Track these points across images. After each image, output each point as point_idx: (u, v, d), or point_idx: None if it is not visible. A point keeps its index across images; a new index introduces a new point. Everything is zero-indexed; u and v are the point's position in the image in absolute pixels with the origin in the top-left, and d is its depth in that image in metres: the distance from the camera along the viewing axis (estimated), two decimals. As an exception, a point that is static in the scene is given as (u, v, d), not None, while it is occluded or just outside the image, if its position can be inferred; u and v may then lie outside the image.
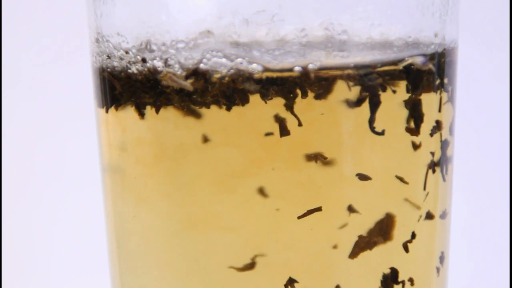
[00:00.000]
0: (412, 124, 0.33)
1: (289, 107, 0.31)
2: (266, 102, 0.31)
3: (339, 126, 0.31)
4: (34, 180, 0.65)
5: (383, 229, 0.33)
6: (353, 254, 0.32)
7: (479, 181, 0.65)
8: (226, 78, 0.31)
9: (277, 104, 0.31)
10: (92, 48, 0.35)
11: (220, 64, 0.31)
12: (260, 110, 0.31)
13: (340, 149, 0.31)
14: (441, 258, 0.36)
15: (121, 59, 0.33)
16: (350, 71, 0.31)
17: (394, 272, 0.34)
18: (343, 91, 0.31)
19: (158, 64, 0.31)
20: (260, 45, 0.30)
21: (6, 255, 0.64)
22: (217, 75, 0.31)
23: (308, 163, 0.31)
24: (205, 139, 0.31)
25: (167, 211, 0.33)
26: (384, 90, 0.31)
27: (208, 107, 0.31)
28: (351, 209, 0.32)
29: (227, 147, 0.31)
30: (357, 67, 0.31)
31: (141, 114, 0.32)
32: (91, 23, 0.35)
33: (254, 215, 0.32)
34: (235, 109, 0.31)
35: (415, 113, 0.33)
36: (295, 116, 0.31)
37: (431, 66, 0.33)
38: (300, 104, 0.31)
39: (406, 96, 0.32)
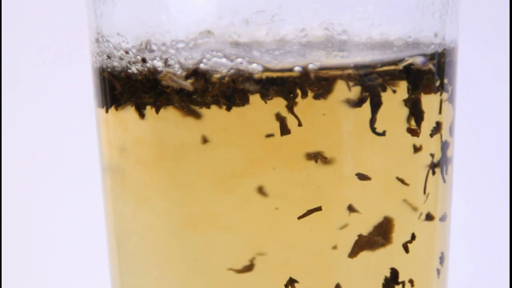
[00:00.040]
0: (412, 125, 0.33)
1: (289, 107, 0.31)
2: (266, 102, 0.31)
3: (339, 126, 0.31)
4: (34, 180, 0.65)
5: (382, 232, 0.33)
6: (353, 253, 0.32)
7: (479, 181, 0.65)
8: (226, 78, 0.31)
9: (277, 104, 0.31)
10: (92, 48, 0.35)
11: (220, 64, 0.31)
12: (260, 110, 0.31)
13: (340, 149, 0.31)
14: (441, 259, 0.36)
15: (121, 59, 0.33)
16: (350, 71, 0.31)
17: (394, 273, 0.34)
18: (343, 91, 0.31)
19: (158, 64, 0.31)
20: (260, 45, 0.30)
21: (6, 255, 0.64)
22: (217, 75, 0.31)
23: (308, 163, 0.31)
24: (205, 139, 0.31)
25: (167, 211, 0.33)
26: (384, 90, 0.31)
27: (208, 107, 0.31)
28: (351, 209, 0.32)
29: (227, 147, 0.31)
30: (357, 67, 0.31)
31: (141, 114, 0.32)
32: (91, 23, 0.35)
33: (254, 215, 0.32)
34: (235, 109, 0.31)
35: (415, 112, 0.33)
36: (295, 116, 0.31)
37: (431, 66, 0.33)
38: (300, 104, 0.31)
39: (406, 96, 0.32)
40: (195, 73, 0.31)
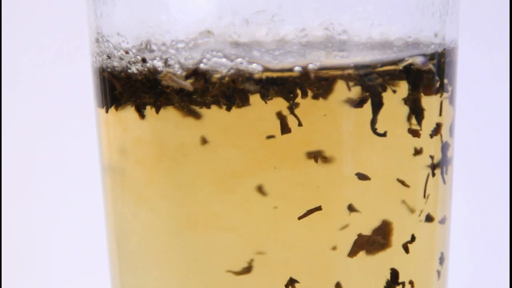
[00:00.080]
0: (413, 125, 0.33)
1: (289, 107, 0.31)
2: (266, 102, 0.31)
3: (339, 127, 0.31)
4: (34, 180, 0.65)
5: (382, 232, 0.33)
6: (353, 252, 0.32)
7: (479, 181, 0.65)
8: (226, 78, 0.31)
9: (277, 104, 0.31)
10: (92, 48, 0.35)
11: (220, 64, 0.31)
12: (260, 110, 0.31)
13: (340, 149, 0.31)
14: (441, 260, 0.36)
15: (121, 59, 0.33)
16: (350, 71, 0.31)
17: (394, 273, 0.34)
18: (343, 91, 0.31)
19: (158, 64, 0.31)
20: (260, 45, 0.30)
21: (6, 255, 0.64)
22: (217, 75, 0.31)
23: (309, 163, 0.31)
24: (205, 139, 0.31)
25: (167, 211, 0.33)
26: (384, 90, 0.31)
27: (208, 107, 0.31)
28: (351, 208, 0.32)
29: (227, 147, 0.31)
30: (357, 67, 0.31)
31: (141, 114, 0.32)
32: (91, 23, 0.35)
33: (255, 215, 0.32)
34: (235, 109, 0.31)
35: (415, 112, 0.33)
36: (295, 116, 0.31)
37: (431, 66, 0.33)
38: (300, 104, 0.31)
39: (406, 96, 0.32)
40: (195, 73, 0.31)
